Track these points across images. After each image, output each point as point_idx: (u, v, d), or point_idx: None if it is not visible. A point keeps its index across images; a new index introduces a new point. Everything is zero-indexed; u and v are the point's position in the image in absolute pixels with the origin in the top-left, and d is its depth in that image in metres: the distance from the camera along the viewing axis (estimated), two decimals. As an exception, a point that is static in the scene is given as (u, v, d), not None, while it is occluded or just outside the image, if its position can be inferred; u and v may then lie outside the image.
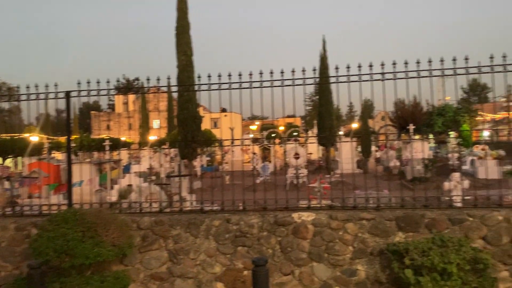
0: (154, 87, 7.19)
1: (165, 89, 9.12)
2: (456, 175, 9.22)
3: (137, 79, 77.82)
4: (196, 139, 16.28)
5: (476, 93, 74.22)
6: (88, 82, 6.84)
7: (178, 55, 16.70)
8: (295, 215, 6.03)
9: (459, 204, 6.61)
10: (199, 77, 6.44)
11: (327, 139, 22.53)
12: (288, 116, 62.24)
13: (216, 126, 46.04)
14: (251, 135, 37.37)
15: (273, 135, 35.66)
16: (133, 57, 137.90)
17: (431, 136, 24.75)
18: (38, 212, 6.98)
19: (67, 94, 6.93)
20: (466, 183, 9.08)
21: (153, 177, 14.97)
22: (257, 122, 53.95)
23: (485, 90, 69.30)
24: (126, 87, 66.40)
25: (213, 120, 47.24)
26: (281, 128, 47.25)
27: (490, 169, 15.10)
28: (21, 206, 7.44)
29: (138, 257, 6.21)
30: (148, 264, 6.17)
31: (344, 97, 6.57)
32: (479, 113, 25.83)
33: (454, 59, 5.90)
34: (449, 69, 5.95)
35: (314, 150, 27.85)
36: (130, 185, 12.66)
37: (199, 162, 22.75)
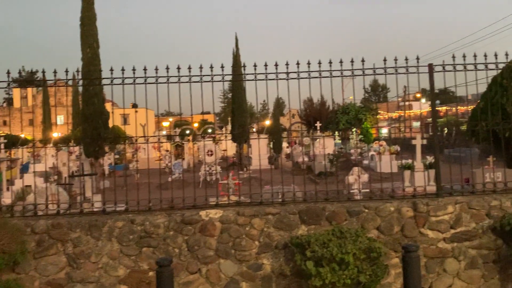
0: (55, 80, 6.67)
1: (69, 82, 8.54)
2: (356, 170, 9.83)
3: (35, 71, 72.22)
4: (103, 136, 15.54)
5: (377, 93, 79.97)
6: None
7: (83, 48, 15.75)
8: (202, 213, 6.00)
9: (358, 197, 7.08)
10: (100, 71, 6.13)
11: (240, 136, 22.81)
12: (203, 113, 61.85)
13: (126, 122, 44.22)
14: (164, 132, 36.56)
15: (187, 131, 35.21)
16: (40, 52, 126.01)
17: (336, 133, 26.21)
18: None
19: None
20: (365, 177, 9.71)
21: (55, 177, 13.99)
22: (170, 119, 52.90)
23: (384, 90, 74.92)
24: (25, 80, 61.17)
25: (123, 116, 45.26)
26: (195, 125, 46.86)
27: (387, 164, 16.35)
28: None
29: (32, 264, 5.75)
30: (44, 270, 5.74)
31: (259, 95, 6.64)
32: (378, 112, 27.84)
33: (352, 61, 6.27)
34: (347, 70, 6.32)
35: (229, 147, 28.08)
36: (28, 186, 11.71)
37: (107, 160, 21.72)
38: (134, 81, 5.99)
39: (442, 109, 26.81)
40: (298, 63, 6.12)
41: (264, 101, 68.51)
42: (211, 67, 6.24)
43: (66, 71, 6.08)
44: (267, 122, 40.47)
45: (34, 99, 61.01)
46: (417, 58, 6.44)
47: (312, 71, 6.19)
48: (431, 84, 6.47)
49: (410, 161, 10.45)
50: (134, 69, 5.98)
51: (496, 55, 6.62)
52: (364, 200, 6.53)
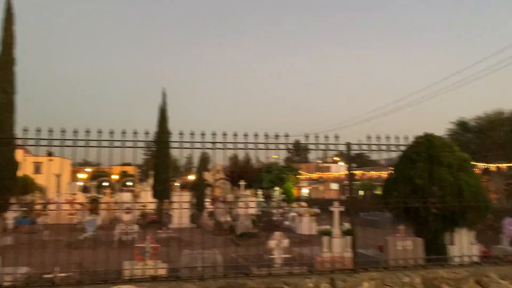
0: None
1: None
2: (278, 235, 9.89)
3: None
4: (9, 189, 14.29)
5: (299, 153, 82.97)
6: None
7: (-3, 92, 14.77)
8: (114, 290, 5.56)
9: (278, 263, 7.04)
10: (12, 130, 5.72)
11: (161, 192, 22.18)
12: (124, 164, 59.74)
13: (38, 171, 41.15)
14: (80, 183, 34.69)
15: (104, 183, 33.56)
16: None
17: (259, 191, 26.50)
18: None
19: None
20: (286, 242, 9.81)
21: None
22: (88, 169, 50.31)
23: (306, 151, 77.97)
24: None
25: (36, 164, 42.14)
26: (115, 176, 44.99)
27: (307, 226, 16.75)
28: None
29: None
30: None
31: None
32: (300, 172, 28.75)
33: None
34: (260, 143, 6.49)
35: (148, 200, 27.07)
36: None
37: (12, 214, 19.82)
38: (51, 142, 5.65)
39: (358, 172, 28.42)
40: (224, 134, 6.18)
41: (189, 154, 67.92)
42: (135, 132, 6.07)
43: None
44: (191, 177, 40.02)
45: None
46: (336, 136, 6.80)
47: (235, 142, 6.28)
48: (349, 160, 6.85)
49: (328, 227, 10.80)
50: (50, 130, 5.65)
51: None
52: (284, 275, 6.50)
